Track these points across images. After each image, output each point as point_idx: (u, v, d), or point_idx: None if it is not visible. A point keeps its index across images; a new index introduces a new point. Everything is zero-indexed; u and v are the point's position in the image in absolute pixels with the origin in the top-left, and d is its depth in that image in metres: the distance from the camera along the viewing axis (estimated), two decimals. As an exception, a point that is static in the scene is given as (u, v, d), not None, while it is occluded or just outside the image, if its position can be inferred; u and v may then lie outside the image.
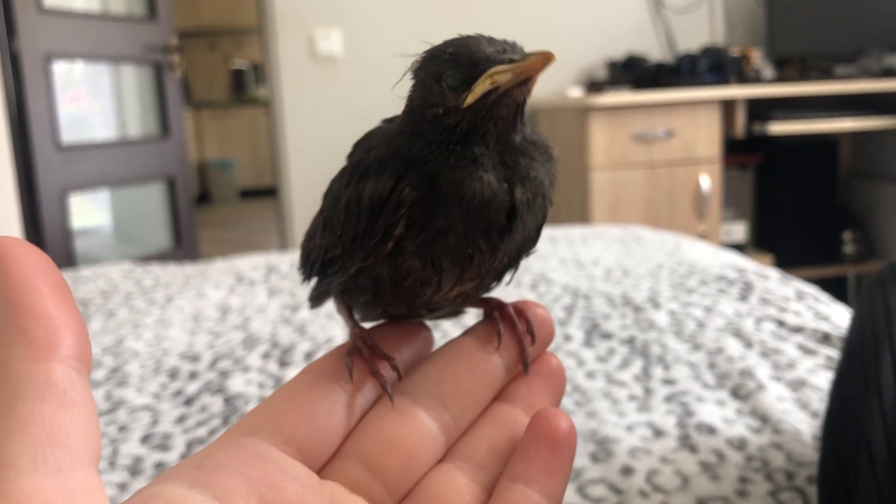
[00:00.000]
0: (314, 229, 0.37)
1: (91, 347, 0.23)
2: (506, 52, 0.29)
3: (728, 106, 2.56)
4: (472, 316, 0.41)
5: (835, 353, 0.83)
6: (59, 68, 2.91)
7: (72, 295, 0.23)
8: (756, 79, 2.71)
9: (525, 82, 0.29)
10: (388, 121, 0.35)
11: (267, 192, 6.02)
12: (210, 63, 6.80)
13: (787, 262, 2.67)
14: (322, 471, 0.29)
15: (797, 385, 0.77)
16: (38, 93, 2.67)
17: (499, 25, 2.95)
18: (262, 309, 1.08)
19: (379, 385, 0.32)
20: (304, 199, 2.97)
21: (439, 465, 0.31)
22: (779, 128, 2.50)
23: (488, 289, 0.35)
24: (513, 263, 0.34)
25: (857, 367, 0.54)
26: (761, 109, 2.58)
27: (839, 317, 0.93)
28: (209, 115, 6.74)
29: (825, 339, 0.87)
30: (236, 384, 0.83)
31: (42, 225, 2.69)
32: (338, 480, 0.29)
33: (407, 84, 0.32)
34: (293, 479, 0.27)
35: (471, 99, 0.29)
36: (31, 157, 2.65)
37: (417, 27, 2.91)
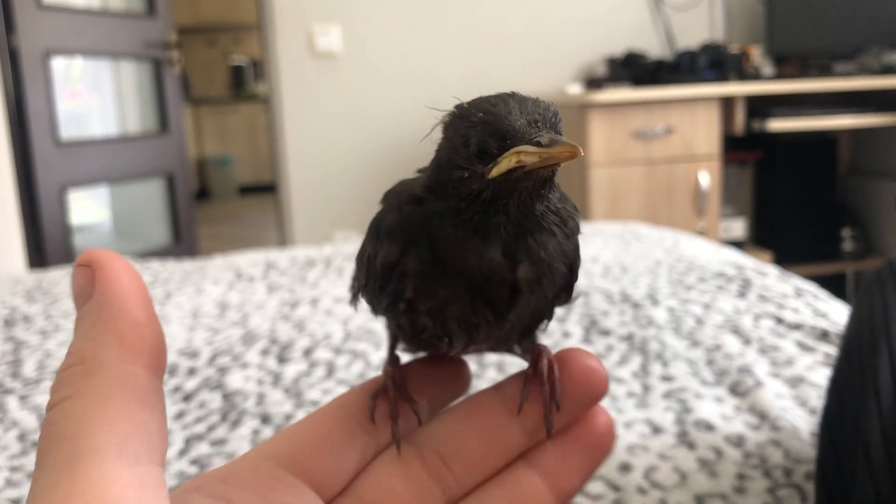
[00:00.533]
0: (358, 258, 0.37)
1: (167, 356, 0.26)
2: (537, 123, 0.29)
3: (727, 103, 2.56)
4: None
5: (833, 350, 0.84)
6: (58, 64, 2.90)
7: (153, 306, 0.25)
8: (755, 76, 2.71)
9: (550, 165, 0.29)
10: (420, 171, 0.34)
11: (266, 189, 6.02)
12: (209, 59, 6.79)
13: (786, 259, 2.67)
14: (330, 503, 0.31)
15: (795, 382, 0.77)
16: (37, 89, 2.66)
17: (498, 22, 2.95)
18: (261, 305, 1.08)
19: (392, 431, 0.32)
20: (303, 195, 2.97)
21: None
22: (778, 125, 2.50)
23: (522, 336, 0.34)
24: (541, 318, 0.34)
25: (854, 364, 0.54)
26: (761, 106, 2.58)
27: (837, 314, 0.93)
28: (208, 112, 6.73)
29: (823, 336, 0.87)
30: (235, 380, 0.83)
31: (41, 221, 2.69)
32: None
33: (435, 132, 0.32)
34: None
35: (495, 172, 0.29)
36: (30, 154, 2.65)
37: (416, 23, 2.91)
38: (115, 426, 0.22)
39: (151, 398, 0.23)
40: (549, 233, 0.31)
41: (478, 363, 0.83)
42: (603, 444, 0.31)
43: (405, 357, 0.36)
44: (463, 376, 0.35)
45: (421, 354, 0.36)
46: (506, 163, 0.28)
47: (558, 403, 0.31)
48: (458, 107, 0.31)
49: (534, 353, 0.33)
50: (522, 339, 0.34)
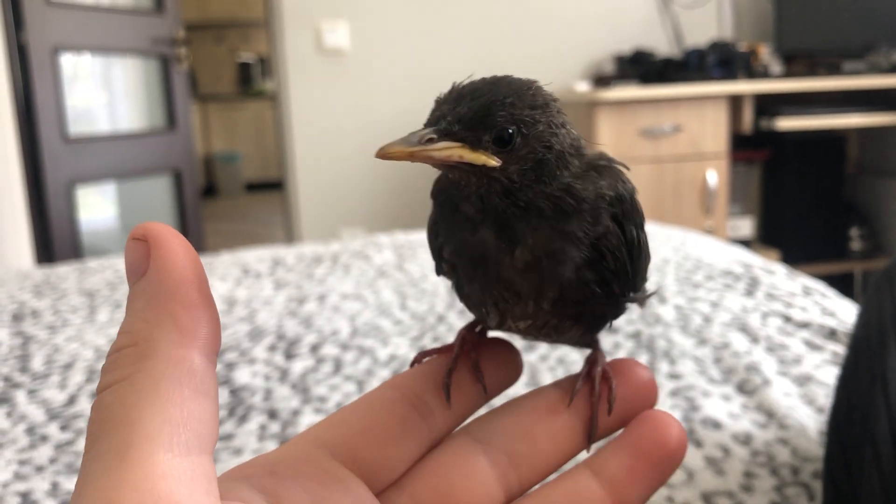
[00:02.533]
0: None
1: (220, 341, 0.24)
2: (444, 118, 0.29)
3: (736, 101, 2.55)
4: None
5: (841, 349, 0.83)
6: (66, 60, 2.91)
7: (209, 286, 0.24)
8: (764, 74, 2.71)
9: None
10: None
11: (272, 186, 6.03)
12: (216, 56, 6.81)
13: (794, 258, 2.66)
14: (380, 495, 0.30)
15: (803, 380, 0.77)
16: (46, 85, 2.67)
17: (506, 19, 2.95)
18: (269, 301, 1.08)
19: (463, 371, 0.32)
20: (311, 191, 2.97)
21: None
22: (786, 123, 2.49)
23: (587, 329, 0.33)
24: (593, 309, 0.33)
25: (862, 362, 0.53)
26: (769, 105, 2.57)
27: (846, 312, 0.93)
28: (215, 108, 6.74)
29: (832, 334, 0.87)
30: (242, 376, 0.83)
31: (49, 217, 2.70)
32: None
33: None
34: (357, 502, 0.28)
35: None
36: (39, 150, 2.66)
37: (424, 19, 2.90)
38: (168, 414, 0.21)
39: (205, 385, 0.23)
40: (536, 217, 0.30)
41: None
42: (673, 459, 0.29)
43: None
44: (516, 364, 0.34)
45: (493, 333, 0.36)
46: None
47: (612, 405, 0.31)
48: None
49: (589, 358, 0.33)
50: (588, 330, 0.34)
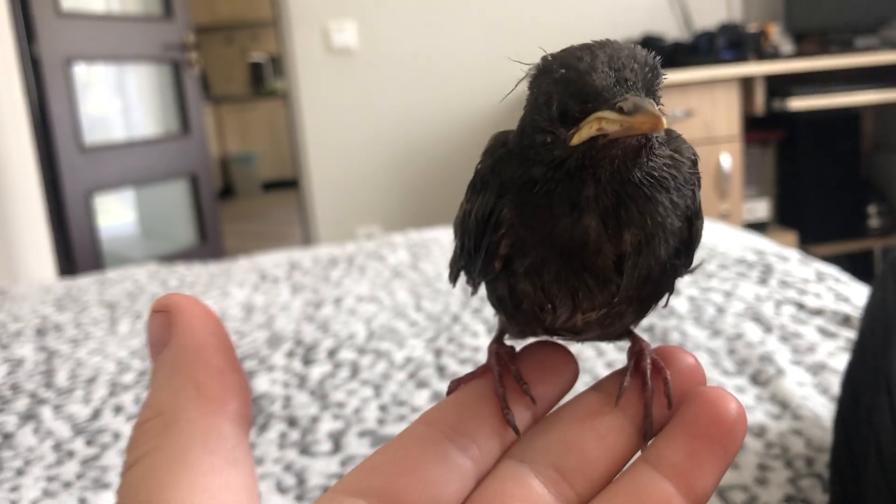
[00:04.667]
0: (455, 223, 0.34)
1: (252, 409, 0.23)
2: (626, 82, 0.25)
3: (747, 83, 2.54)
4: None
5: (855, 335, 0.83)
6: (79, 70, 2.94)
7: (236, 354, 0.23)
8: (775, 54, 2.69)
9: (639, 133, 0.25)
10: (502, 133, 0.31)
11: (289, 184, 6.05)
12: (227, 57, 6.83)
13: (812, 237, 2.65)
14: None
15: (817, 369, 0.78)
16: (60, 95, 2.70)
17: (513, 12, 2.94)
18: (286, 307, 1.10)
19: (503, 407, 0.29)
20: (325, 189, 2.99)
21: None
22: (799, 103, 2.47)
23: (639, 314, 0.31)
24: (660, 288, 0.30)
25: (867, 358, 0.54)
26: (781, 85, 2.56)
27: (859, 297, 0.93)
28: (229, 109, 6.77)
29: (845, 320, 0.87)
30: (261, 384, 0.84)
31: (69, 227, 2.73)
32: None
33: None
34: None
35: (576, 140, 0.26)
36: (56, 160, 2.69)
37: (430, 16, 2.90)
38: (200, 484, 0.20)
39: (236, 453, 0.21)
40: (653, 188, 0.27)
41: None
42: (734, 435, 0.26)
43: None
44: (571, 366, 0.31)
45: (528, 342, 0.32)
46: (587, 130, 0.25)
47: (671, 400, 0.28)
48: (544, 59, 0.28)
49: (634, 350, 0.31)
50: (638, 316, 0.31)
